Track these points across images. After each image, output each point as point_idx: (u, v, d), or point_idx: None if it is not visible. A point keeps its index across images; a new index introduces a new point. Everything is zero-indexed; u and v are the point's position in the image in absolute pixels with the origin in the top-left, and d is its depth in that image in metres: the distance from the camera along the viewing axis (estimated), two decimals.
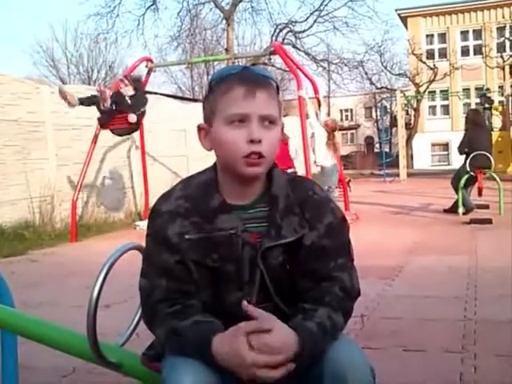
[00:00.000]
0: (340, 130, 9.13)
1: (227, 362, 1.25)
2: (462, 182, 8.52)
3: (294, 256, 1.43)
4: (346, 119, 52.41)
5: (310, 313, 1.35)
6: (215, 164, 1.48)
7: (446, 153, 29.20)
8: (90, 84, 30.38)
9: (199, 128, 1.47)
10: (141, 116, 8.22)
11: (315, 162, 8.62)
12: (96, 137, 8.55)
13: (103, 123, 8.15)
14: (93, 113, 8.82)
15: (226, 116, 1.37)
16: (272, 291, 1.43)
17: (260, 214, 1.44)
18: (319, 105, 8.95)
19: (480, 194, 9.23)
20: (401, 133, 20.57)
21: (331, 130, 8.63)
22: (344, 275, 1.44)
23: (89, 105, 8.07)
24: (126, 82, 8.20)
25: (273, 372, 1.22)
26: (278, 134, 1.42)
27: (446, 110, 30.82)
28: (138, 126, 8.36)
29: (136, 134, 10.08)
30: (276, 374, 1.22)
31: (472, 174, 8.59)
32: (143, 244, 1.53)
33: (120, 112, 8.01)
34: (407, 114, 31.27)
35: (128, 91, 8.12)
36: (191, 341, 1.30)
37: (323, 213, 1.46)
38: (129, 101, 8.06)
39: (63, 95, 7.83)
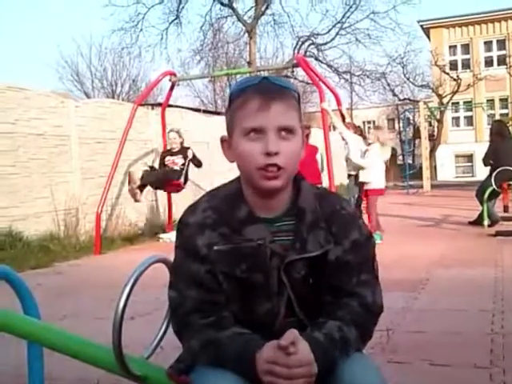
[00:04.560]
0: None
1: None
2: (487, 194, 8.42)
3: (317, 271, 1.43)
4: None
5: (318, 325, 1.36)
6: (239, 176, 1.48)
7: (469, 164, 28.88)
8: (113, 98, 30.74)
9: (222, 140, 1.47)
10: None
11: (349, 170, 8.26)
12: (120, 150, 8.64)
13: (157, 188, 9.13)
14: (117, 126, 8.93)
15: (243, 129, 1.36)
16: (295, 305, 1.43)
17: (286, 228, 1.44)
18: (343, 117, 8.86)
19: (506, 211, 9.15)
20: (424, 144, 20.43)
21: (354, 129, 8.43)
22: (366, 291, 1.43)
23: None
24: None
25: None
26: (298, 144, 1.40)
27: (469, 121, 30.52)
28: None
29: (160, 148, 10.16)
30: None
31: (497, 189, 8.50)
32: (168, 257, 1.53)
33: (169, 180, 8.72)
34: (430, 125, 31.07)
35: (179, 162, 8.75)
36: (233, 352, 1.30)
37: (350, 229, 1.45)
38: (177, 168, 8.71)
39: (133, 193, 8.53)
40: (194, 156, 8.77)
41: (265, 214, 1.44)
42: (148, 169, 8.76)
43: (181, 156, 8.76)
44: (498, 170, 8.45)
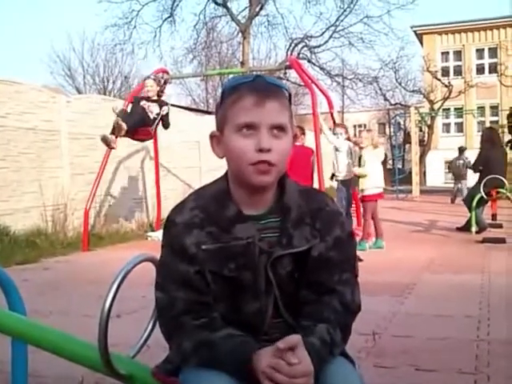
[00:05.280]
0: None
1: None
2: (475, 200, 8.46)
3: (302, 266, 1.43)
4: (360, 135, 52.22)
5: (309, 329, 1.35)
6: (226, 174, 1.48)
7: None
8: (105, 94, 30.63)
9: (211, 136, 1.47)
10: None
11: (336, 175, 8.21)
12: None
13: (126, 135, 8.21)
14: (108, 122, 8.89)
15: (236, 124, 1.36)
16: (280, 304, 1.43)
17: (272, 224, 1.44)
18: (333, 121, 8.82)
19: (494, 219, 9.20)
20: (414, 149, 20.55)
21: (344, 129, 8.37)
22: (346, 290, 1.44)
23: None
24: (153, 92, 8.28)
25: None
26: (289, 143, 1.41)
27: (460, 127, 30.68)
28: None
29: (150, 145, 10.13)
30: None
31: (485, 197, 8.54)
32: (156, 255, 1.52)
33: (145, 126, 8.10)
34: (421, 130, 31.18)
35: (154, 110, 8.16)
36: (228, 353, 1.30)
37: (333, 225, 1.46)
38: (151, 115, 8.13)
39: (107, 142, 7.84)
40: (167, 114, 8.33)
41: (251, 211, 1.44)
42: (120, 111, 8.00)
43: (157, 105, 8.24)
44: (488, 177, 8.50)
